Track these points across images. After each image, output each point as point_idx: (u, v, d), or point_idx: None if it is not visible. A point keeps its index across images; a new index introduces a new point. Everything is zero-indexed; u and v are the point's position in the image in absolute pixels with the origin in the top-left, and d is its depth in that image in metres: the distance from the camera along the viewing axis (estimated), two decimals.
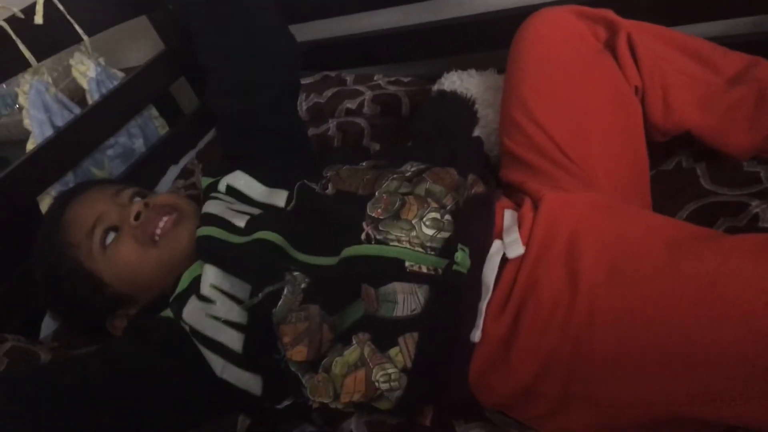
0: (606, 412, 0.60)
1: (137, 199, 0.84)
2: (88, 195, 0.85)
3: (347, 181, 0.79)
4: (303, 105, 1.22)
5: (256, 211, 0.81)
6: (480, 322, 0.64)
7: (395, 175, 0.78)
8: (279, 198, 0.82)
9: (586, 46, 0.84)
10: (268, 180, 0.85)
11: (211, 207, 0.81)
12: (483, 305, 0.65)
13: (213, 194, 0.85)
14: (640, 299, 0.58)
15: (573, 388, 0.61)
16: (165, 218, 0.81)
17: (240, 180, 0.85)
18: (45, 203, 1.15)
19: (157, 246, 0.79)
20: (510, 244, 0.67)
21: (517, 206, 0.76)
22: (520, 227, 0.69)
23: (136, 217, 0.80)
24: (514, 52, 0.86)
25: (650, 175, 0.88)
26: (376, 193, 0.74)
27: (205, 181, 0.91)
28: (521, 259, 0.66)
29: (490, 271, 0.66)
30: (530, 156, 0.80)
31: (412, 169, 0.79)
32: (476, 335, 0.64)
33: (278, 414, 0.74)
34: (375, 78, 1.24)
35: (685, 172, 0.88)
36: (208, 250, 0.75)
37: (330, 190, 0.79)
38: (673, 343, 0.55)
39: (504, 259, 0.67)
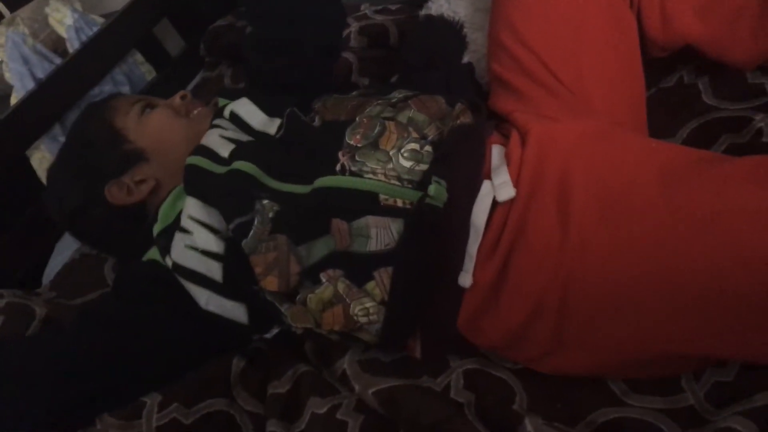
0: (598, 352, 0.60)
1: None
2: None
3: (332, 110, 0.78)
4: None
5: (247, 139, 0.80)
6: (470, 266, 0.63)
7: (380, 101, 0.76)
8: (273, 126, 0.81)
9: None
10: (269, 109, 0.85)
11: (207, 138, 0.81)
12: (473, 249, 0.63)
13: (213, 122, 0.85)
14: (632, 238, 0.56)
15: (565, 329, 0.60)
16: (202, 107, 0.89)
17: (243, 107, 0.85)
18: (35, 158, 1.14)
19: (189, 119, 0.87)
20: (500, 186, 0.65)
21: (506, 139, 0.73)
22: (508, 165, 0.67)
23: (182, 98, 0.89)
24: None
25: (650, 93, 0.84)
26: (357, 118, 0.73)
27: (221, 102, 0.92)
28: (511, 200, 0.64)
29: (482, 213, 0.64)
30: (519, 81, 0.76)
31: (399, 96, 0.77)
32: (466, 280, 0.63)
33: (272, 353, 0.74)
34: (362, 8, 1.18)
35: (687, 87, 0.84)
36: (191, 180, 0.75)
37: (317, 122, 0.78)
38: (667, 282, 0.54)
39: (494, 202, 0.65)
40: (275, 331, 0.76)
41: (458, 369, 0.67)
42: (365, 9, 1.18)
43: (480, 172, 0.67)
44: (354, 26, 1.12)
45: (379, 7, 1.17)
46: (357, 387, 0.66)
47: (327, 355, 0.72)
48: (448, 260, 0.64)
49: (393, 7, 1.16)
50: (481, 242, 0.63)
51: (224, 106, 0.86)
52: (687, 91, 0.83)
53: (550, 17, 0.76)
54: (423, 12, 1.02)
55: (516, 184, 0.64)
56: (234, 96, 0.89)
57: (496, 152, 0.69)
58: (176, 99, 0.89)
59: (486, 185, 0.65)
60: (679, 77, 0.86)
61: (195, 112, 0.88)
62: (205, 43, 1.30)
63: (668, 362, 0.59)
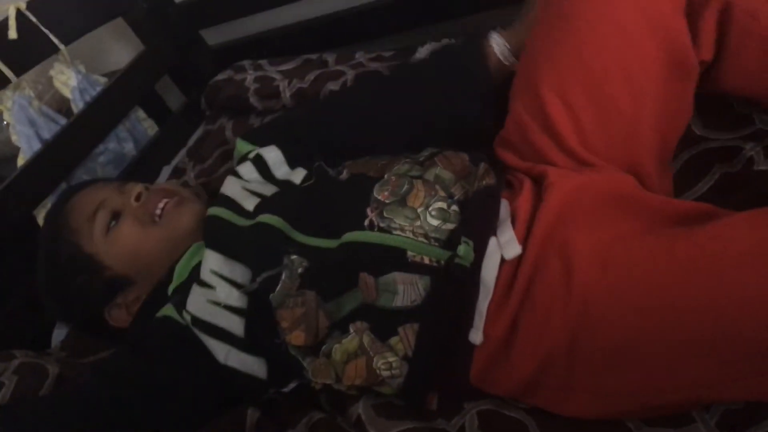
0: (610, 399, 0.60)
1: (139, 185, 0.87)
2: (92, 186, 0.88)
3: (361, 166, 0.78)
4: (287, 92, 1.21)
5: (271, 190, 0.80)
6: (481, 323, 0.63)
7: (407, 159, 0.77)
8: (296, 177, 0.82)
9: (665, 6, 0.69)
10: (292, 160, 0.85)
11: (227, 187, 0.82)
12: (484, 306, 0.64)
13: (236, 169, 0.85)
14: (634, 288, 0.57)
15: (576, 379, 0.60)
16: (165, 200, 0.83)
17: (271, 153, 0.85)
18: (41, 217, 1.15)
19: (158, 225, 0.81)
20: (506, 244, 0.65)
21: (509, 191, 0.73)
22: (514, 220, 0.67)
23: (137, 198, 0.83)
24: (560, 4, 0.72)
25: None
26: (386, 176, 0.73)
27: (241, 145, 0.91)
28: (518, 258, 0.64)
29: (491, 270, 0.64)
30: (538, 137, 0.72)
31: (426, 154, 0.78)
32: (477, 337, 0.63)
33: (286, 404, 0.74)
34: (356, 56, 1.22)
35: None
36: (213, 232, 0.75)
37: (344, 175, 0.78)
38: (671, 330, 0.54)
39: (501, 259, 0.65)
40: (293, 385, 0.75)
41: (472, 410, 0.67)
42: (360, 57, 1.22)
43: (493, 229, 0.67)
44: (350, 74, 1.16)
45: (373, 55, 1.21)
46: None
47: (341, 402, 0.72)
48: (462, 318, 0.64)
49: (386, 54, 1.20)
50: (491, 299, 0.64)
51: (250, 151, 0.87)
52: None
53: (611, 78, 0.69)
54: (416, 56, 1.05)
55: (525, 239, 0.64)
56: (255, 138, 0.90)
57: (503, 207, 0.69)
58: (131, 201, 0.82)
59: (492, 242, 0.66)
60: None
61: (158, 212, 0.81)
62: (206, 97, 1.34)
63: (681, 406, 0.59)
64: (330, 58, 1.25)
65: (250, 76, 1.28)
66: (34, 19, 1.13)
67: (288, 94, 1.21)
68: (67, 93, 1.23)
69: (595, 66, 0.69)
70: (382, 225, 0.67)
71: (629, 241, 0.61)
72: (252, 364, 0.71)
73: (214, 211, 0.77)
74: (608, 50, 0.69)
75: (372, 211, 0.69)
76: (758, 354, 0.51)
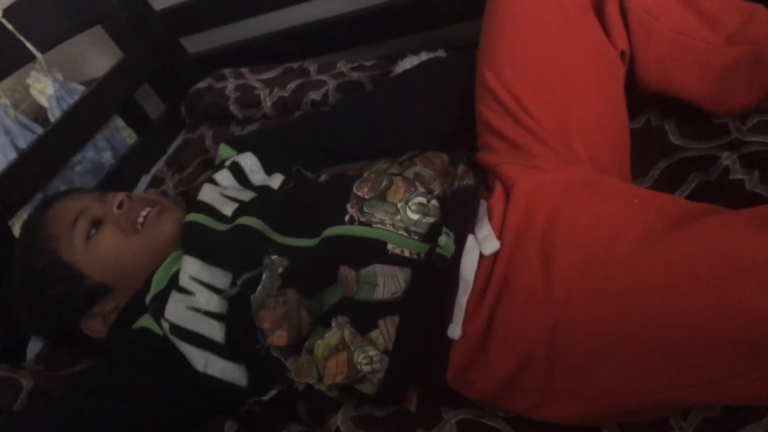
0: (589, 402, 0.60)
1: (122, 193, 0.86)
2: (72, 195, 0.88)
3: (341, 169, 0.79)
4: (267, 100, 1.20)
5: (249, 196, 0.80)
6: (460, 318, 0.64)
7: (386, 160, 0.78)
8: (274, 182, 0.82)
9: (570, 3, 0.76)
10: (269, 167, 0.86)
11: (204, 194, 0.82)
12: (463, 301, 0.64)
13: (213, 176, 0.85)
14: (615, 290, 0.57)
15: (554, 380, 0.60)
16: (148, 209, 0.83)
17: (247, 161, 0.85)
18: (17, 227, 1.13)
19: (139, 234, 0.81)
20: (484, 239, 0.66)
21: (488, 192, 0.74)
22: (490, 218, 0.68)
23: (119, 206, 0.82)
24: (490, 7, 0.79)
25: None
26: (365, 174, 0.74)
27: (224, 150, 0.92)
28: (495, 254, 0.65)
29: (470, 265, 0.65)
30: (504, 125, 0.76)
31: (405, 156, 0.79)
32: (456, 332, 0.63)
33: (264, 416, 0.74)
34: (338, 66, 1.22)
35: (654, 129, 0.87)
36: (192, 238, 0.75)
37: (323, 178, 0.79)
38: (650, 329, 0.54)
39: (480, 255, 0.65)
40: (273, 392, 0.75)
41: (451, 420, 0.67)
42: (341, 66, 1.22)
43: (471, 226, 0.68)
44: (331, 84, 1.16)
45: (355, 65, 1.21)
46: None
47: (320, 414, 0.72)
48: (442, 310, 0.64)
49: (368, 64, 1.20)
50: (470, 295, 0.64)
51: (227, 158, 0.87)
52: (655, 133, 0.86)
53: (536, 62, 0.75)
54: (397, 68, 1.06)
55: (500, 236, 0.65)
56: (237, 144, 0.90)
57: (480, 206, 0.70)
58: (114, 209, 0.82)
59: (470, 239, 0.66)
60: (646, 119, 0.89)
61: (140, 221, 0.82)
62: (186, 105, 1.33)
63: (659, 409, 0.59)
64: (311, 67, 1.24)
65: (230, 85, 1.28)
66: (10, 27, 1.11)
67: (269, 102, 1.20)
68: (44, 101, 1.21)
69: (522, 56, 0.75)
70: (362, 219, 0.68)
71: (609, 230, 0.61)
72: (232, 371, 0.71)
73: (193, 217, 0.77)
74: (532, 42, 0.75)
75: (352, 207, 0.69)
76: (737, 355, 0.51)
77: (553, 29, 0.75)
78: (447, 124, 0.90)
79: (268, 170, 0.85)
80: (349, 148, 0.89)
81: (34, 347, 1.02)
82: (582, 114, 0.76)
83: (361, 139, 0.90)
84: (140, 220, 0.82)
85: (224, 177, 0.85)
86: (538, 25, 0.75)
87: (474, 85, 0.83)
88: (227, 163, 0.86)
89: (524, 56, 0.76)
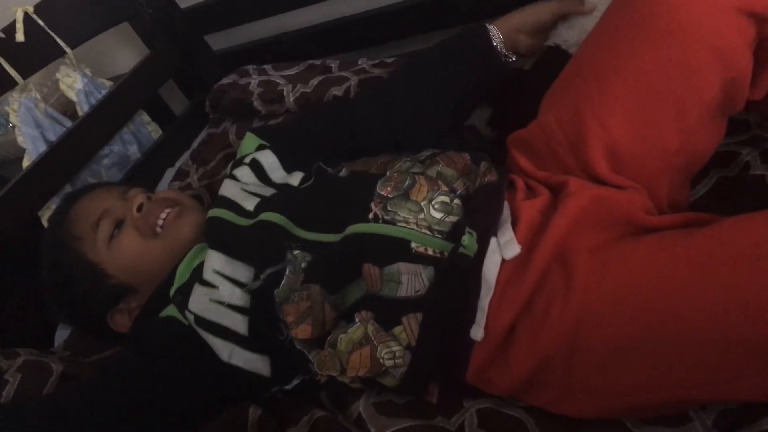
0: (607, 399, 0.61)
1: (141, 194, 0.87)
2: (95, 192, 0.89)
3: (362, 165, 0.80)
4: (290, 96, 1.22)
5: (269, 191, 0.81)
6: (482, 320, 0.64)
7: (408, 158, 0.78)
8: (294, 179, 0.83)
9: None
10: (289, 164, 0.87)
11: (226, 189, 0.83)
12: (485, 302, 0.64)
13: (233, 173, 0.86)
14: (634, 288, 0.57)
15: (574, 378, 0.61)
16: (167, 210, 0.84)
17: (267, 159, 0.86)
18: (46, 218, 1.16)
19: (159, 237, 0.82)
20: (506, 244, 0.66)
21: (511, 193, 0.74)
22: (518, 222, 0.67)
23: (139, 209, 0.83)
24: (632, 19, 0.66)
25: None
26: (387, 173, 0.74)
27: (249, 139, 0.93)
28: (522, 260, 0.65)
29: (493, 268, 0.65)
30: (563, 151, 0.73)
31: (427, 153, 0.79)
32: (478, 333, 0.64)
33: (288, 401, 0.75)
34: (359, 62, 1.23)
35: None
36: (215, 233, 0.76)
37: (343, 173, 0.79)
38: (670, 330, 0.55)
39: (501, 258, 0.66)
40: (296, 382, 0.76)
41: (471, 409, 0.68)
42: (362, 63, 1.23)
43: (495, 227, 0.68)
44: (353, 80, 1.17)
45: (376, 61, 1.22)
46: (373, 430, 0.67)
47: (342, 400, 0.73)
48: (464, 309, 0.65)
49: (388, 60, 1.21)
50: (492, 297, 0.64)
51: (246, 155, 0.89)
52: None
53: (663, 110, 0.66)
54: None
55: (527, 244, 0.65)
56: (264, 135, 0.92)
57: (504, 207, 0.70)
58: (134, 211, 0.84)
59: (493, 242, 0.66)
60: None
61: (160, 223, 0.83)
62: (210, 100, 1.35)
63: (676, 405, 0.60)
64: (333, 63, 1.26)
65: (254, 81, 1.30)
66: (41, 23, 1.14)
67: (292, 98, 1.22)
68: (72, 96, 1.24)
69: (651, 96, 0.66)
70: (386, 218, 0.68)
71: (629, 243, 0.62)
72: (255, 362, 0.72)
73: (215, 212, 0.78)
74: (669, 81, 0.65)
75: (376, 206, 0.70)
76: (755, 354, 0.52)
77: (701, 70, 0.64)
78: (461, 101, 0.92)
79: (288, 168, 0.86)
80: (371, 129, 0.90)
81: (62, 334, 1.05)
82: (675, 167, 0.71)
83: (380, 119, 0.91)
84: (159, 222, 0.83)
85: (244, 173, 0.86)
86: (684, 62, 0.64)
87: (486, 58, 0.85)
88: (246, 159, 0.87)
89: (654, 102, 0.66)
